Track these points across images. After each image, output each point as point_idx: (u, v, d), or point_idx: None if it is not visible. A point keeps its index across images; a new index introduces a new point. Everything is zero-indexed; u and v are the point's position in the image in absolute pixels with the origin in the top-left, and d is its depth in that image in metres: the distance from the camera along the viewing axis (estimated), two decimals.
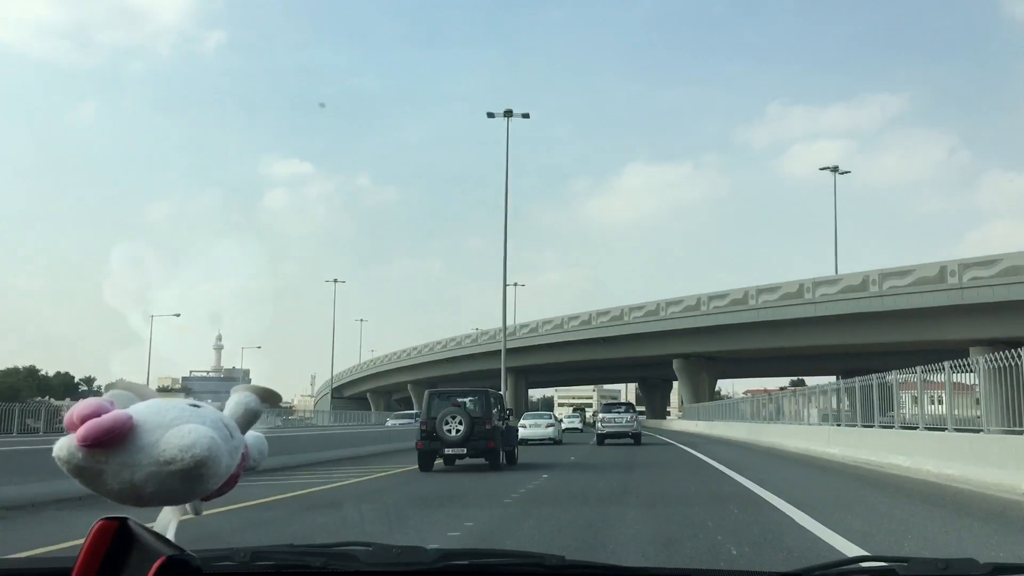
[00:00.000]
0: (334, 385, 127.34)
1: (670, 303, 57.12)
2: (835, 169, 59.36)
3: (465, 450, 17.12)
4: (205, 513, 1.54)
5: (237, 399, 1.50)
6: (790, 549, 7.10)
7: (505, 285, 47.61)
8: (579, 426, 53.61)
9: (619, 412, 32.16)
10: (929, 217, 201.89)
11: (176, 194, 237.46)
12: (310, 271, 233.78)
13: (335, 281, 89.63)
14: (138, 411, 1.31)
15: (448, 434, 16.87)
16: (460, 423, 16.90)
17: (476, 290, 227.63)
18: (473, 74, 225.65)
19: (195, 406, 1.39)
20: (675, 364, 62.08)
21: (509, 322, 57.59)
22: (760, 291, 49.89)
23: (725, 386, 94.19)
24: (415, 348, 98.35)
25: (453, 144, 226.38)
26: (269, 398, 1.52)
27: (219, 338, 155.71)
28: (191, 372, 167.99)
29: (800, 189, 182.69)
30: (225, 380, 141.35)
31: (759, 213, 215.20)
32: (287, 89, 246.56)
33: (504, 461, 18.19)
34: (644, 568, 1.79)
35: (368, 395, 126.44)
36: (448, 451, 17.15)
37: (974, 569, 1.50)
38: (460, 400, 18.18)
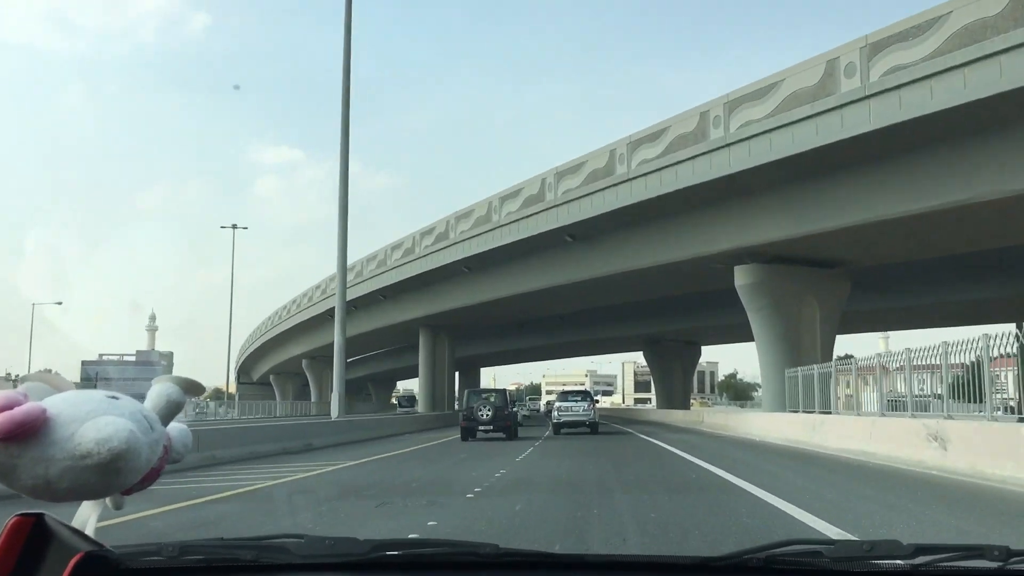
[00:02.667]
0: (237, 366, 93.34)
1: (736, 100, 22.14)
2: None
3: (492, 427, 26.41)
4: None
5: (159, 390, 1.42)
6: None
7: (345, 188, 28.47)
8: (528, 413, 57.62)
9: (575, 401, 31.65)
10: None
11: (164, 181, 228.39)
12: (306, 260, 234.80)
13: (233, 227, 64.59)
14: (53, 403, 1.24)
15: (481, 417, 26.57)
16: (489, 410, 26.63)
17: None
18: (472, 52, 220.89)
19: (113, 398, 1.31)
20: (739, 277, 26.84)
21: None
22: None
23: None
24: (294, 301, 64.46)
25: (447, 130, 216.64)
26: (192, 389, 1.46)
27: (152, 318, 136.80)
28: (100, 355, 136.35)
29: None
30: (140, 364, 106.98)
31: None
32: (275, 74, 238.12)
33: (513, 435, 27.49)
34: (578, 555, 1.76)
35: (271, 378, 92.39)
36: (480, 428, 26.43)
37: (897, 550, 1.51)
38: (486, 396, 28.14)
